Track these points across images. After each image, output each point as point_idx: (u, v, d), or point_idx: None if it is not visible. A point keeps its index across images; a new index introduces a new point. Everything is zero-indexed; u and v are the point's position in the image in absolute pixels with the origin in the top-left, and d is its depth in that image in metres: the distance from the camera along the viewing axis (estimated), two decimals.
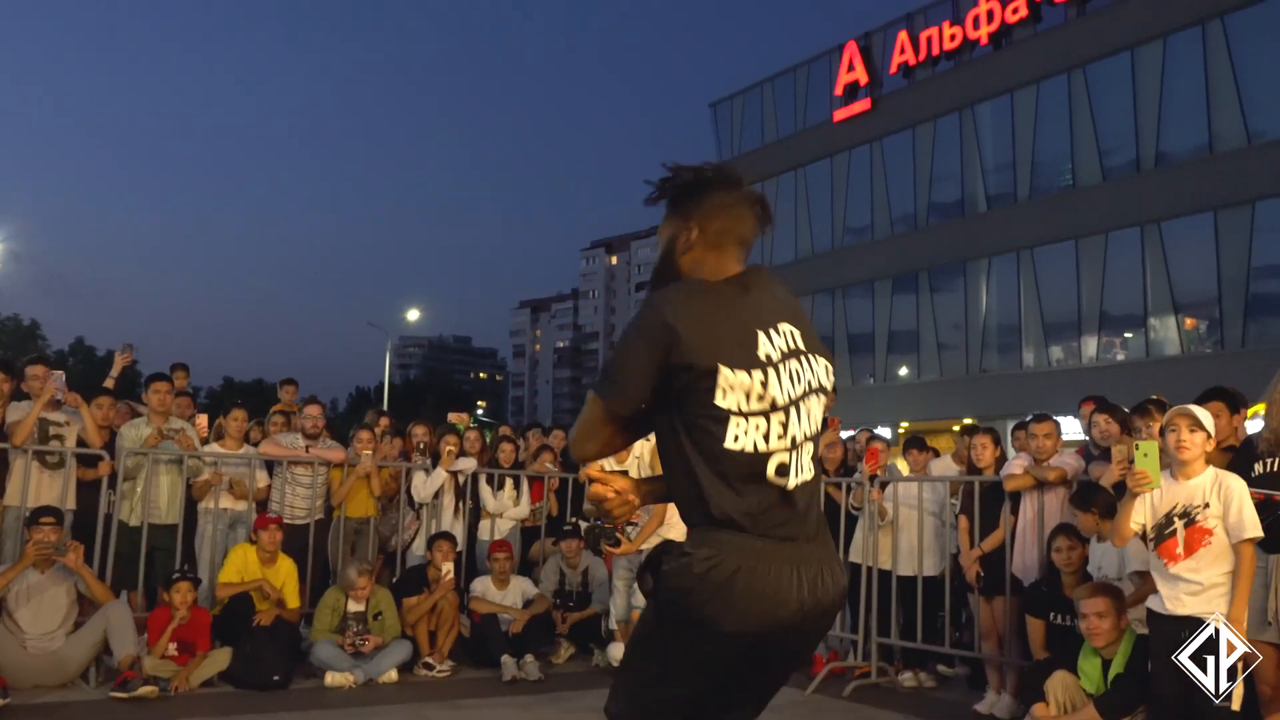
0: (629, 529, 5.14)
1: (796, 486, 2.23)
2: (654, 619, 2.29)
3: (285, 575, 6.60)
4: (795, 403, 2.24)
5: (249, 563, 6.53)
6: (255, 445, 7.48)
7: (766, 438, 2.19)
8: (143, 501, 6.58)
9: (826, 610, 2.25)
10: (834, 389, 2.46)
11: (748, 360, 2.19)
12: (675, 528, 5.45)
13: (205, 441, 7.67)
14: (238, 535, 6.94)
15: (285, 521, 6.90)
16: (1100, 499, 5.37)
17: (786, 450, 2.22)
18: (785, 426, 2.21)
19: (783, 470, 2.21)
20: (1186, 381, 10.66)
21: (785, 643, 2.25)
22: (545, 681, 6.62)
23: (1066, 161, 25.87)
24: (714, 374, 2.16)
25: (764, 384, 2.19)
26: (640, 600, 5.20)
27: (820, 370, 2.33)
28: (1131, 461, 4.34)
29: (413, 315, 48.30)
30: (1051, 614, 5.52)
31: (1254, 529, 4.10)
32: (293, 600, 6.59)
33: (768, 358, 2.21)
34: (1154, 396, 6.13)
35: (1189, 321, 23.70)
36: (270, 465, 7.30)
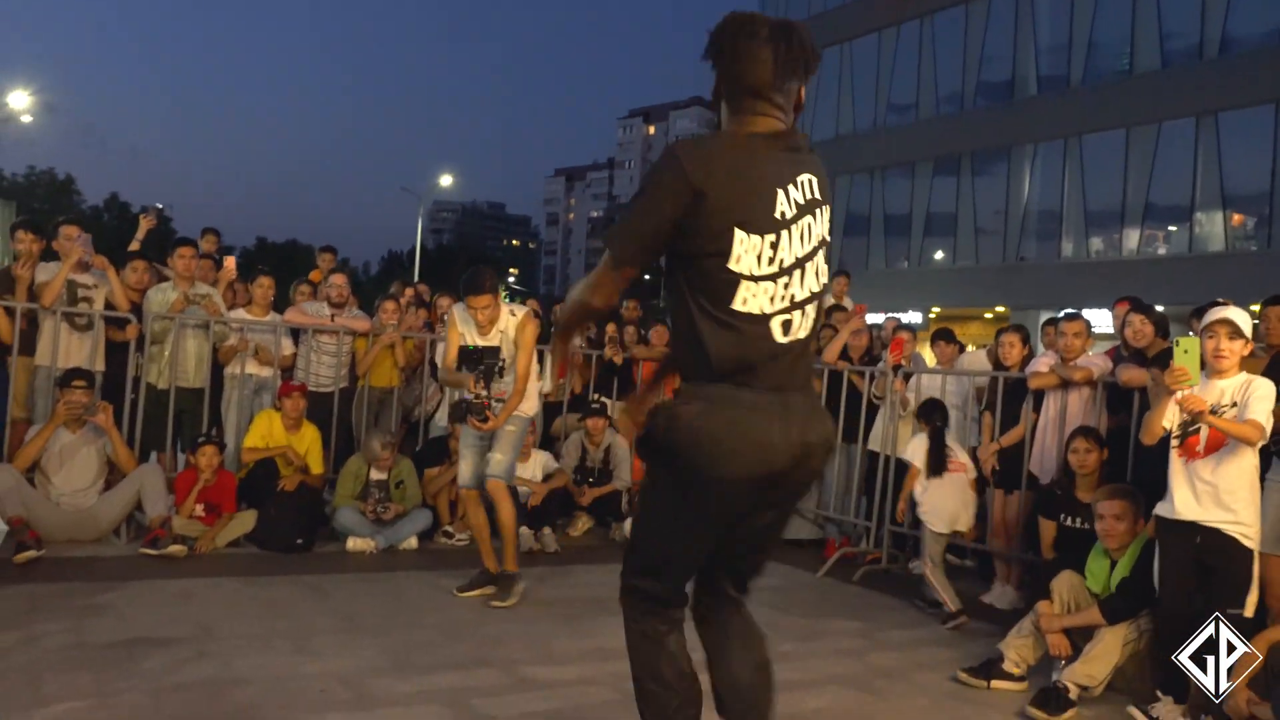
0: (495, 405, 5.22)
1: (793, 341, 2.32)
2: (654, 475, 2.40)
3: (309, 442, 6.71)
4: (802, 262, 2.31)
5: (274, 429, 6.64)
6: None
7: (773, 299, 2.27)
8: (170, 365, 6.66)
9: (814, 454, 2.34)
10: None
11: (763, 222, 2.24)
12: (531, 398, 5.54)
13: (233, 284, 7.69)
14: (263, 401, 7.04)
15: (310, 389, 6.98)
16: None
17: (788, 309, 2.30)
18: (789, 288, 2.29)
19: (786, 328, 2.30)
20: (1228, 280, 10.46)
21: (778, 486, 2.32)
22: (561, 554, 6.77)
23: (1125, 46, 24.83)
24: (729, 236, 2.22)
25: (774, 245, 2.25)
26: (493, 468, 5.35)
27: (826, 219, 2.40)
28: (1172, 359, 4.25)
29: (446, 181, 47.93)
30: (1063, 516, 5.53)
31: (1261, 415, 4.02)
32: (316, 466, 6.72)
33: (782, 215, 2.26)
34: (1220, 300, 5.95)
35: (1236, 218, 23.07)
36: (296, 333, 7.35)
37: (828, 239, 2.41)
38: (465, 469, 5.46)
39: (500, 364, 5.31)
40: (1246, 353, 4.22)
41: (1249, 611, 4.06)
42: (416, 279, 37.68)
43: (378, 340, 7.32)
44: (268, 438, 6.61)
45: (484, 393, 5.20)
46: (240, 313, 7.14)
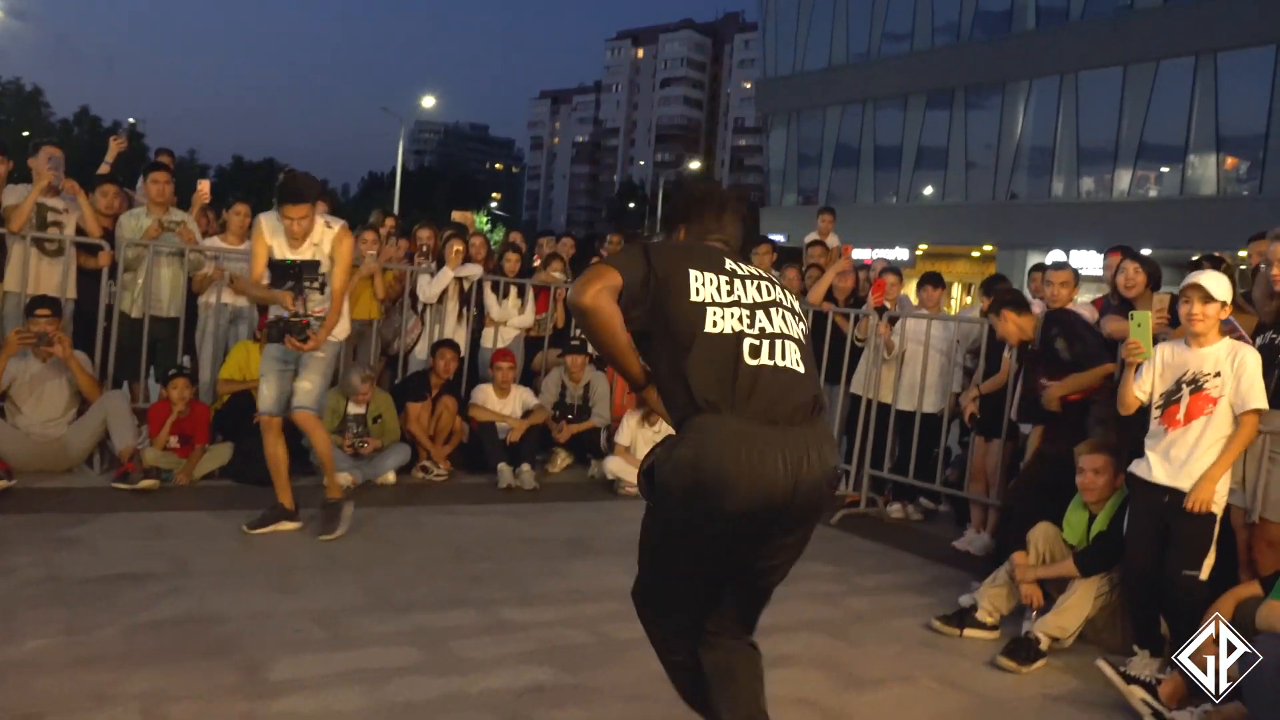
0: (314, 323, 4.93)
1: (776, 369, 2.41)
2: (656, 511, 2.49)
3: None
4: (764, 306, 2.49)
5: (251, 360, 6.54)
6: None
7: (740, 321, 2.44)
8: (144, 294, 6.54)
9: (814, 489, 2.39)
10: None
11: (714, 267, 2.50)
12: (345, 320, 5.21)
13: (206, 210, 7.57)
14: (239, 331, 6.93)
15: None
16: None
17: (757, 336, 2.43)
18: (753, 319, 2.45)
19: (755, 351, 2.41)
20: (1218, 223, 10.39)
21: (779, 519, 2.39)
22: (540, 491, 6.77)
23: None
24: (685, 275, 2.45)
25: (729, 285, 2.48)
26: (302, 398, 5.04)
27: (792, 299, 2.62)
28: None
29: (428, 102, 47.04)
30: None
31: (1260, 400, 4.08)
32: None
33: (732, 271, 2.52)
34: (1216, 254, 5.88)
35: (1229, 161, 22.95)
36: None
37: (799, 312, 2.62)
38: (267, 394, 5.04)
39: (321, 279, 4.97)
40: (1224, 315, 4.20)
41: (1204, 575, 4.12)
42: (397, 201, 37.50)
43: (357, 271, 7.19)
44: (245, 369, 6.52)
45: (303, 310, 4.90)
46: (216, 241, 6.99)
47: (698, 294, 2.43)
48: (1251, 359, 4.12)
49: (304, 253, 4.94)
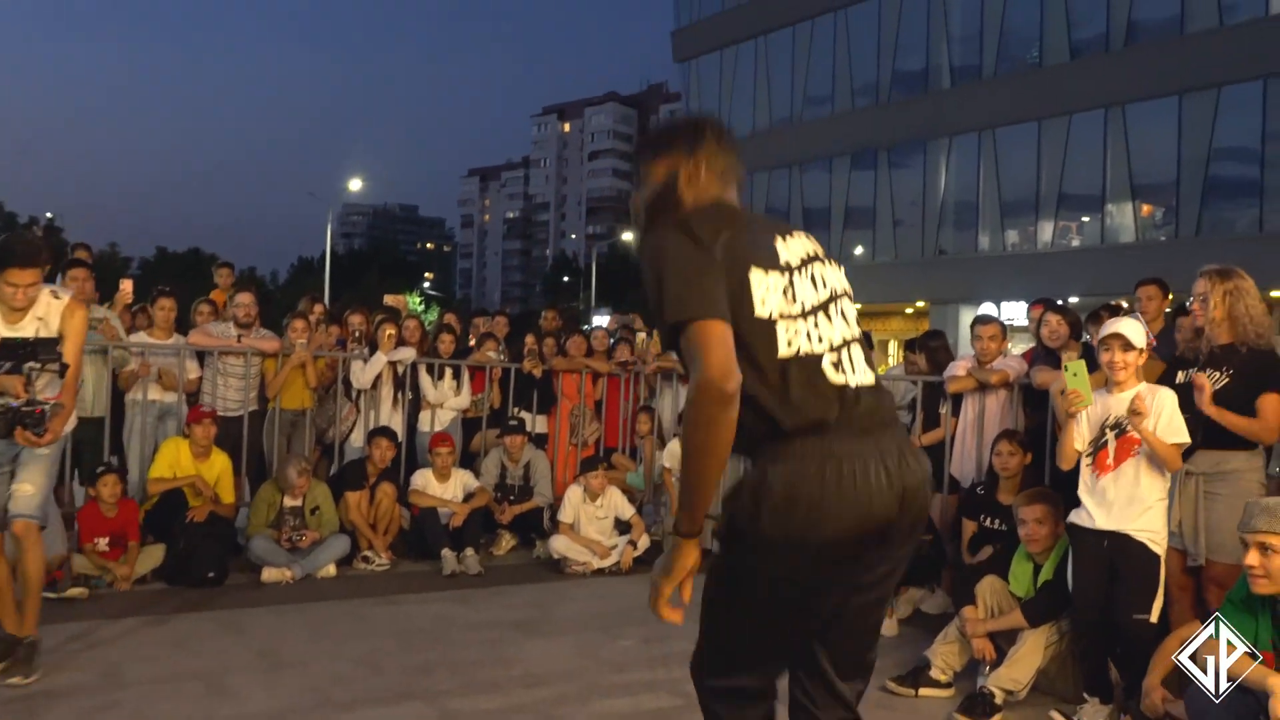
0: (49, 411, 4.05)
1: (858, 386, 2.13)
2: (735, 559, 2.11)
3: (219, 470, 6.47)
4: (824, 306, 2.17)
5: (181, 457, 6.39)
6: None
7: (809, 338, 2.10)
8: None
9: (917, 494, 2.12)
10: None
11: (769, 259, 2.11)
12: (73, 411, 4.39)
13: (131, 308, 7.44)
14: (168, 428, 6.77)
15: (218, 414, 6.74)
16: None
17: (834, 350, 2.13)
18: (820, 327, 2.13)
19: (837, 367, 2.11)
20: (1140, 269, 10.65)
21: (886, 539, 2.09)
22: (485, 575, 6.64)
23: (1034, 37, 25.39)
24: (748, 283, 2.05)
25: (789, 285, 2.11)
26: (23, 505, 4.20)
27: (840, 275, 2.27)
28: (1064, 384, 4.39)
29: (355, 185, 46.92)
30: (984, 517, 5.56)
31: (1181, 435, 4.18)
32: (227, 495, 6.48)
33: (786, 264, 2.14)
34: (1111, 302, 6.06)
35: (1145, 208, 23.75)
36: (201, 355, 7.09)
37: (845, 285, 2.27)
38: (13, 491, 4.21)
39: (57, 360, 4.13)
40: (1142, 361, 4.32)
41: (1154, 617, 4.16)
42: (328, 285, 37.22)
43: (288, 361, 7.09)
44: (175, 467, 6.36)
45: (35, 397, 4.06)
46: (141, 336, 6.85)
47: (763, 304, 2.05)
48: (1169, 398, 4.22)
49: (26, 328, 4.14)
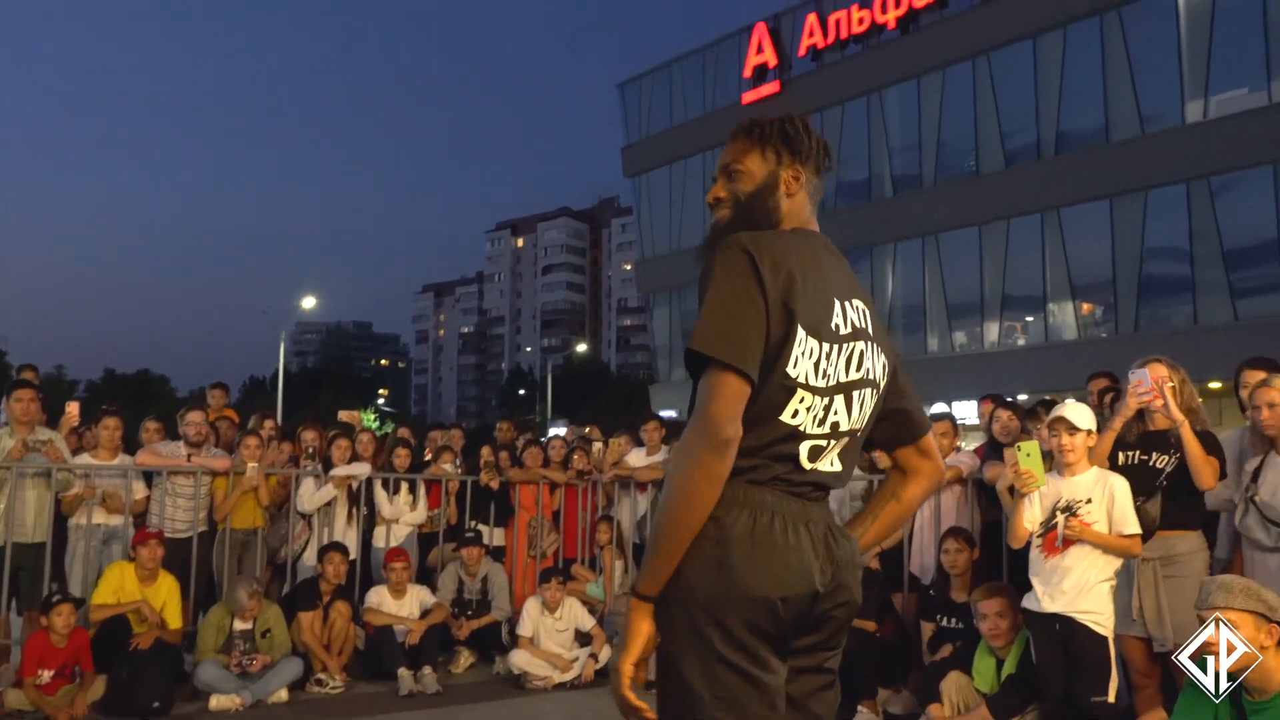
0: None
1: (820, 472, 1.99)
2: (676, 626, 1.88)
3: (166, 593, 6.28)
4: (848, 388, 2.00)
5: (126, 582, 6.19)
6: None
7: (815, 420, 1.96)
8: (5, 518, 6.17)
9: (846, 569, 1.97)
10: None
11: (820, 328, 1.95)
12: None
13: (77, 430, 7.30)
14: (112, 552, 6.58)
15: (166, 535, 6.57)
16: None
17: (825, 436, 1.98)
18: (828, 410, 1.97)
19: (814, 453, 1.97)
20: (1083, 365, 10.87)
21: (818, 622, 1.95)
22: (444, 694, 6.44)
23: (970, 148, 26.37)
24: (790, 339, 1.91)
25: (829, 355, 1.96)
26: None
27: (880, 365, 2.08)
28: (1017, 464, 4.47)
29: (309, 303, 46.76)
30: (940, 617, 5.55)
31: (1133, 526, 4.28)
32: (174, 620, 6.26)
33: (836, 329, 1.99)
34: (1046, 397, 6.22)
35: (1085, 306, 24.41)
36: (149, 475, 6.95)
37: (879, 381, 2.09)
38: None
39: None
40: (1091, 444, 4.45)
41: (1112, 697, 4.23)
42: (280, 404, 36.85)
43: (239, 484, 6.97)
44: (119, 592, 6.15)
45: None
46: (85, 457, 6.72)
47: (794, 366, 1.92)
48: (1120, 487, 4.32)
49: None
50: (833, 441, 2.00)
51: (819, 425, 1.97)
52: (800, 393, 1.93)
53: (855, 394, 2.02)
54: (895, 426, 2.18)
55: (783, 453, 1.93)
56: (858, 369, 2.03)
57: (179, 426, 7.27)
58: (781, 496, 1.93)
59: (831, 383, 1.98)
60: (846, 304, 2.03)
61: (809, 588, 1.90)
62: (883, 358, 2.10)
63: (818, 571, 1.91)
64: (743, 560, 1.86)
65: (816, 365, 1.95)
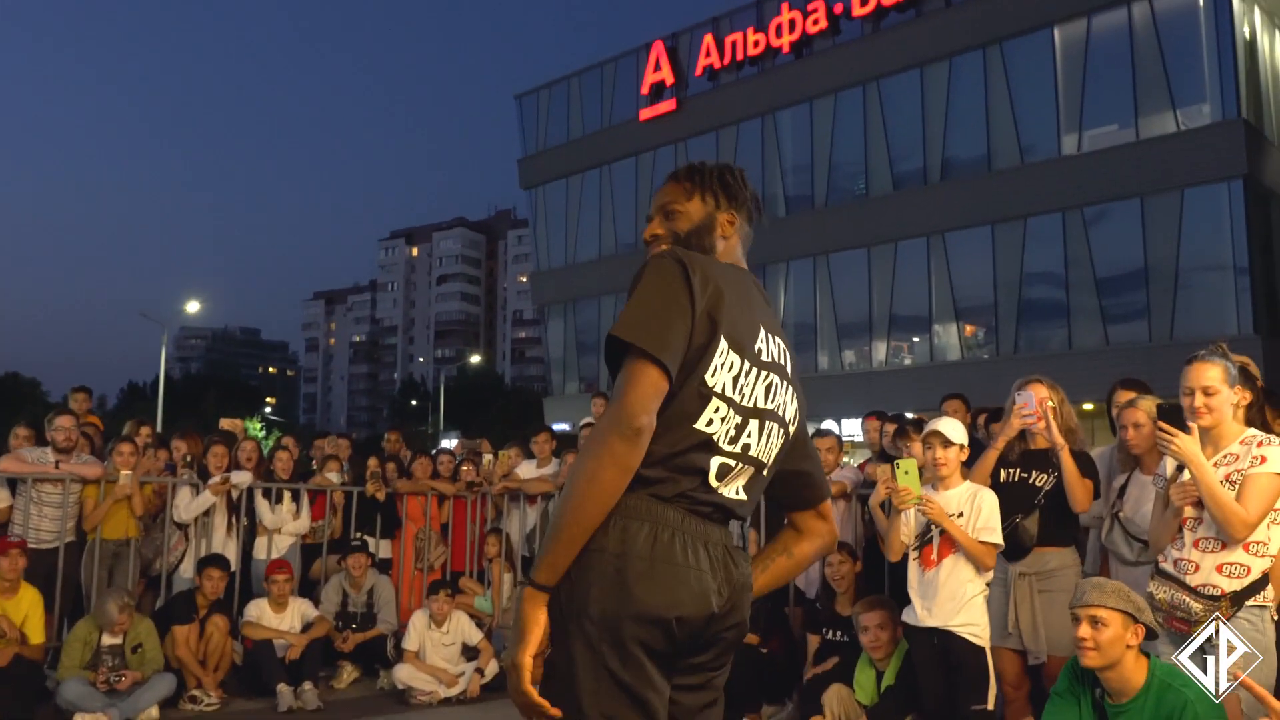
0: None
1: (725, 497, 1.98)
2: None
3: (28, 607, 5.98)
4: (763, 415, 2.02)
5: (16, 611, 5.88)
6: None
7: (728, 434, 1.96)
8: None
9: (742, 591, 1.97)
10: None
11: (743, 345, 1.98)
12: None
13: None
14: None
15: (30, 546, 6.27)
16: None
17: (736, 457, 1.98)
18: (740, 430, 1.98)
19: (722, 472, 1.97)
20: (967, 385, 11.24)
21: (711, 641, 1.94)
22: (324, 710, 6.29)
23: (861, 171, 27.05)
24: (710, 348, 1.93)
25: (746, 375, 1.98)
26: None
27: (792, 409, 2.12)
28: (894, 480, 4.59)
29: (193, 307, 45.07)
30: (825, 630, 5.65)
31: (995, 536, 4.41)
32: (36, 635, 5.97)
33: (758, 353, 2.02)
34: (910, 416, 6.42)
35: (969, 328, 25.23)
36: (13, 483, 6.62)
37: (790, 427, 2.11)
38: None
39: None
40: (964, 458, 4.60)
41: (990, 705, 4.36)
42: (160, 411, 35.53)
43: (112, 491, 6.69)
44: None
45: None
46: None
47: (713, 375, 1.93)
48: (989, 500, 4.47)
49: None
50: (742, 465, 2.00)
51: (731, 443, 1.97)
52: (716, 402, 1.93)
53: (768, 424, 2.04)
54: (799, 488, 2.21)
55: (692, 464, 1.92)
56: (773, 400, 2.05)
57: (47, 432, 6.95)
58: (684, 514, 1.92)
59: (748, 403, 1.99)
60: (770, 337, 2.08)
61: (705, 610, 1.89)
62: (795, 404, 2.13)
63: (714, 594, 1.91)
64: (641, 578, 1.84)
65: (735, 380, 1.96)
